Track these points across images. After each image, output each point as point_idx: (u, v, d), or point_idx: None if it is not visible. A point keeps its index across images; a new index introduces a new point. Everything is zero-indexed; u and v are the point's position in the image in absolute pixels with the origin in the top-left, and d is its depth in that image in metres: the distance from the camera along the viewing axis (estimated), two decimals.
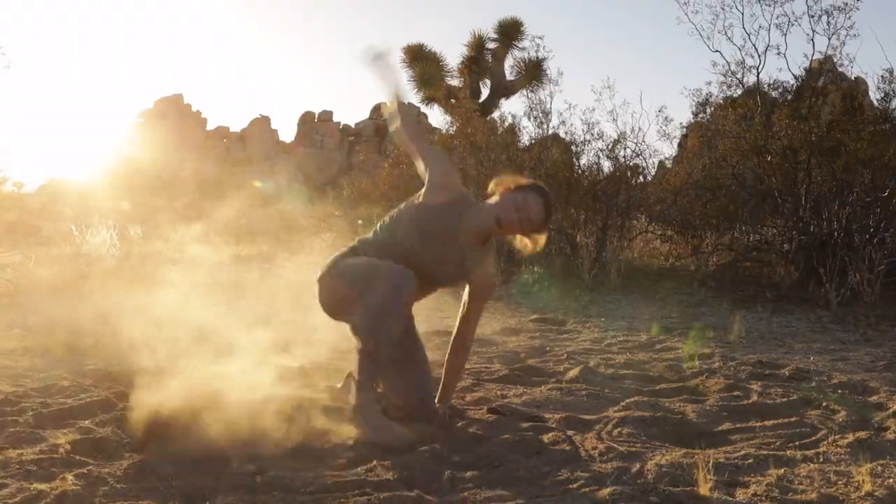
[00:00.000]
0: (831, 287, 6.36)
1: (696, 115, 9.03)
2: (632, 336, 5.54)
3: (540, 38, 16.40)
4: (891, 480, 2.56)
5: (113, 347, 4.96)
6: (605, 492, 2.45)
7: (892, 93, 7.17)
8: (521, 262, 8.64)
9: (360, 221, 13.85)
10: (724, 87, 8.28)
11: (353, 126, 62.08)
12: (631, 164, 9.76)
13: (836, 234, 7.10)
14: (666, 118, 10.43)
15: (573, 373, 4.28)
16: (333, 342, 4.81)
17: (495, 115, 16.43)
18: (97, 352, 4.91)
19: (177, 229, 18.48)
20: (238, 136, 62.19)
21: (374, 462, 2.76)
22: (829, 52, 7.69)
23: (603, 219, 8.37)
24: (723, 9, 8.02)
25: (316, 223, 14.84)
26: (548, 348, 5.12)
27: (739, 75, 8.20)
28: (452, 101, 10.76)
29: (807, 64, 7.77)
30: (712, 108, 8.70)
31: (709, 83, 8.62)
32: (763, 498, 2.40)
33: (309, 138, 61.52)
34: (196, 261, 12.34)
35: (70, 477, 2.50)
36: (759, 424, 3.31)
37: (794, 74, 7.71)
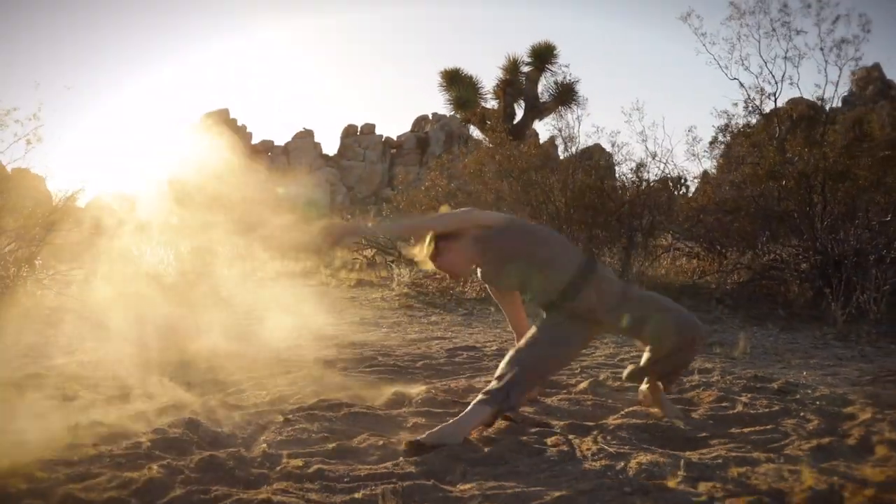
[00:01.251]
0: (837, 305, 6.76)
1: (713, 141, 9.47)
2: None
3: (566, 66, 16.99)
4: (835, 478, 3.03)
5: (177, 360, 5.60)
6: (589, 483, 2.97)
7: None
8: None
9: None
10: (747, 113, 8.71)
11: (394, 138, 62.80)
12: (672, 176, 10.25)
13: (847, 254, 7.49)
14: (694, 138, 10.79)
15: (583, 385, 4.78)
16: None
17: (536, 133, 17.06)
18: (163, 364, 5.51)
19: (223, 245, 19.30)
20: (282, 150, 63.28)
21: (400, 459, 3.31)
22: (842, 80, 8.03)
23: (627, 239, 8.85)
24: (739, 39, 8.42)
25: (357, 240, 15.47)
26: None
27: (758, 101, 8.62)
28: (488, 122, 11.30)
29: (820, 93, 8.15)
30: (732, 134, 9.12)
31: (735, 104, 9.04)
32: (719, 490, 2.89)
33: (352, 151, 62.41)
34: (243, 277, 13.06)
35: (154, 467, 3.09)
36: (738, 431, 3.78)
37: (807, 103, 8.10)
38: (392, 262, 13.79)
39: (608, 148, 11.02)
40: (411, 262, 12.75)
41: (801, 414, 4.06)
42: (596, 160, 10.78)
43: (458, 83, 16.71)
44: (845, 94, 50.99)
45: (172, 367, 5.42)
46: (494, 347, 6.33)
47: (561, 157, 11.27)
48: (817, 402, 4.29)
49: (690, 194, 10.80)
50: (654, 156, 10.96)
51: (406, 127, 60.83)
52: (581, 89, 18.27)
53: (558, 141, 14.33)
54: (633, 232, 8.86)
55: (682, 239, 10.56)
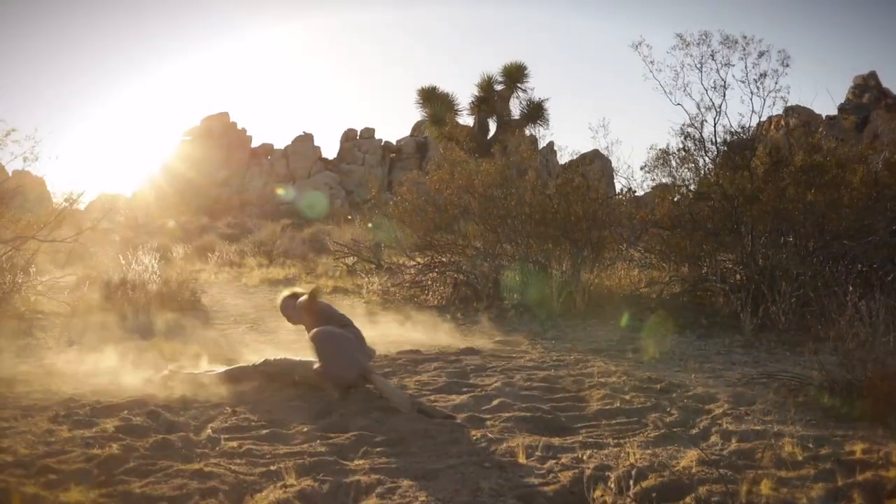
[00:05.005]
0: (746, 316, 7.53)
1: (643, 167, 10.25)
2: (565, 356, 6.77)
3: (531, 88, 17.85)
4: (658, 458, 3.80)
5: (149, 361, 6.37)
6: (459, 460, 3.74)
7: (813, 146, 8.30)
8: (504, 290, 9.93)
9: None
10: (684, 138, 9.43)
11: (394, 143, 63.49)
12: (612, 198, 11.05)
13: (765, 270, 8.26)
14: (657, 157, 11.46)
15: (496, 385, 5.54)
16: None
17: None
18: (137, 365, 6.27)
19: (216, 250, 20.09)
20: (282, 153, 63.84)
21: (317, 442, 4.09)
22: (766, 110, 8.77)
23: (574, 253, 9.62)
24: (682, 68, 9.17)
25: (339, 248, 16.24)
26: (490, 365, 6.37)
27: (698, 124, 9.36)
28: (458, 140, 12.07)
29: (745, 121, 8.90)
30: (672, 158, 9.86)
31: (689, 124, 9.73)
32: (559, 467, 3.65)
33: (351, 155, 63.12)
34: (228, 284, 13.84)
35: (115, 446, 3.86)
36: (605, 422, 4.55)
37: (732, 130, 8.83)
38: (371, 269, 14.56)
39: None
40: (388, 271, 13.53)
41: (668, 409, 4.84)
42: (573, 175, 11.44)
43: (433, 101, 17.56)
44: (841, 101, 51.67)
45: (146, 364, 6.19)
46: (435, 351, 7.10)
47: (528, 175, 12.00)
48: (686, 400, 5.06)
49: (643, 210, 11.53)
50: (616, 172, 11.71)
51: (405, 131, 61.39)
52: (551, 106, 19.17)
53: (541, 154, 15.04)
54: (581, 246, 9.63)
55: (633, 248, 11.30)
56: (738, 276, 9.01)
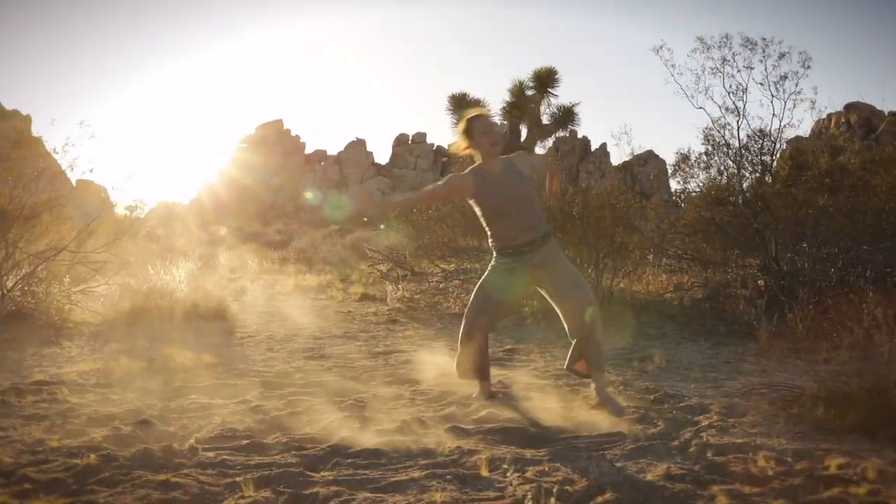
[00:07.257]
0: (759, 323, 7.40)
1: (672, 174, 10.15)
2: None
3: (555, 95, 17.77)
4: (626, 472, 3.77)
5: (161, 368, 6.54)
6: (423, 472, 3.77)
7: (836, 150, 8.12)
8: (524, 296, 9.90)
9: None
10: (705, 142, 9.31)
11: (445, 147, 63.79)
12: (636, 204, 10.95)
13: (784, 275, 8.11)
14: (686, 159, 11.35)
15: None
16: None
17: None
18: (147, 373, 6.44)
19: (258, 257, 20.43)
20: (335, 159, 64.47)
21: (291, 453, 4.15)
22: (786, 113, 8.58)
23: (594, 258, 9.56)
24: (703, 72, 9.02)
25: (374, 254, 16.37)
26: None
27: (720, 128, 9.22)
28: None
29: (765, 125, 8.72)
30: (692, 162, 9.73)
31: (709, 128, 9.57)
32: (520, 480, 3.66)
33: (403, 159, 63.44)
34: (262, 291, 14.07)
35: (93, 456, 3.98)
36: (585, 434, 4.53)
37: (752, 133, 8.66)
38: (405, 276, 14.63)
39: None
40: (418, 276, 13.59)
41: (654, 420, 4.79)
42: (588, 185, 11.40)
43: (464, 107, 17.59)
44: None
45: (154, 374, 6.36)
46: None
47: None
48: (675, 412, 5.00)
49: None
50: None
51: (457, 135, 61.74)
52: (581, 110, 19.03)
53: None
54: (599, 252, 9.57)
55: (661, 254, 11.17)
56: (759, 282, 8.87)
